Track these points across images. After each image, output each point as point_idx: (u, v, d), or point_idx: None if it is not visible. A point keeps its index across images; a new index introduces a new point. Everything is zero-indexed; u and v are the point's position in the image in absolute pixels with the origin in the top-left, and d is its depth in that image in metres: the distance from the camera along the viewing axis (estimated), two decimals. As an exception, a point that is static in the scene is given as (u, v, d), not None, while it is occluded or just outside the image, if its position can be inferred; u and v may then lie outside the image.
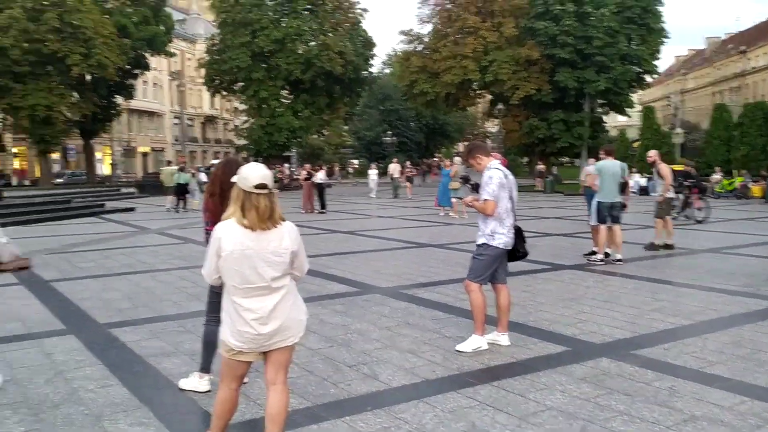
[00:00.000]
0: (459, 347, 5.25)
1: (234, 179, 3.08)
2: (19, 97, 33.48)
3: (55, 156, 48.29)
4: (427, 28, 41.14)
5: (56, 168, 48.95)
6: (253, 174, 3.00)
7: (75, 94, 37.55)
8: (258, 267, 2.98)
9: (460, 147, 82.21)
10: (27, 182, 44.82)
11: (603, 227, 9.68)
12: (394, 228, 15.97)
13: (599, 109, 40.61)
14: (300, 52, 39.34)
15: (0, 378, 4.49)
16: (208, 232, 4.34)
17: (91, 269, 9.72)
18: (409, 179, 30.46)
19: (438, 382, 4.55)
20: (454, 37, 38.39)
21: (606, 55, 34.77)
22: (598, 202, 9.69)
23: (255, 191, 2.98)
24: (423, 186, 38.59)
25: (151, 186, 33.98)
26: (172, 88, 71.11)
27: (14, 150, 51.09)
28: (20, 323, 6.22)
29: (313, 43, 39.96)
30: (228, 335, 3.06)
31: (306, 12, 40.54)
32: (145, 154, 66.91)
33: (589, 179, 10.73)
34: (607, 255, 9.78)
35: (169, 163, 27.15)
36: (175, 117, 72.77)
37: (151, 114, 68.30)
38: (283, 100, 41.56)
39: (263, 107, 40.25)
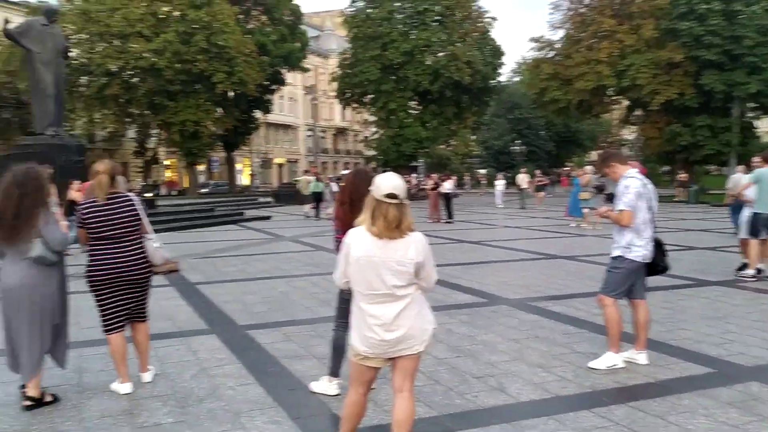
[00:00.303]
0: (592, 364, 5.03)
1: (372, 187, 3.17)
2: (171, 113, 36.44)
3: (201, 167, 51.94)
4: (559, 34, 40.17)
5: (202, 179, 52.67)
6: (385, 183, 3.06)
7: (219, 109, 40.26)
8: (382, 274, 3.03)
9: (593, 155, 79.08)
10: (174, 192, 48.56)
11: (754, 241, 8.90)
12: (522, 239, 15.63)
13: (750, 114, 37.50)
14: (428, 63, 39.71)
15: (152, 371, 4.89)
16: (338, 240, 4.48)
17: (232, 273, 10.34)
18: (540, 188, 29.73)
19: (569, 399, 4.39)
20: (587, 42, 37.11)
21: (758, 55, 32.08)
22: (754, 214, 8.89)
23: (385, 200, 3.04)
24: (553, 196, 37.50)
25: (285, 195, 35.68)
26: (306, 102, 74.33)
27: (166, 162, 55.72)
28: (170, 322, 6.74)
29: (441, 54, 40.18)
30: (356, 340, 3.14)
31: (435, 23, 40.88)
32: (280, 165, 70.40)
33: (739, 188, 9.91)
34: (759, 271, 8.97)
35: (306, 172, 28.42)
36: (309, 129, 75.94)
37: (286, 127, 71.80)
38: (411, 111, 42.14)
39: (392, 118, 41.02)
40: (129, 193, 4.69)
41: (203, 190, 45.96)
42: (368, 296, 3.08)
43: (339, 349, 4.51)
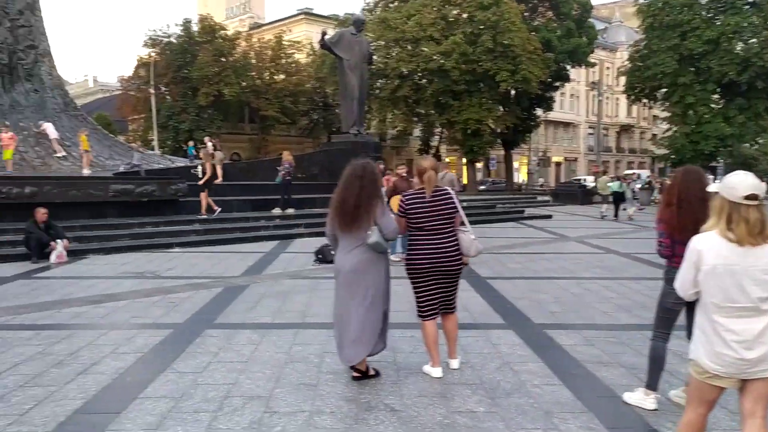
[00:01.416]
0: None
1: (713, 188, 2.88)
2: (455, 112, 37.90)
3: (479, 165, 53.22)
4: None
5: (479, 176, 53.95)
6: (743, 183, 2.73)
7: (500, 108, 40.74)
8: (745, 285, 2.70)
9: None
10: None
11: None
12: None
13: None
14: (737, 51, 35.20)
15: (458, 359, 5.08)
16: (661, 244, 4.16)
17: (519, 270, 10.35)
18: None
19: None
20: None
21: None
22: None
23: (744, 202, 2.71)
24: None
25: (565, 194, 34.81)
26: (588, 99, 71.71)
27: (447, 159, 58.28)
28: (467, 313, 6.96)
29: (753, 40, 35.32)
30: (702, 356, 2.85)
31: (747, 6, 36.07)
32: (558, 164, 68.91)
33: None
34: None
35: (605, 172, 27.56)
36: (590, 127, 73.20)
37: (566, 125, 70.06)
38: (712, 106, 37.78)
39: (688, 114, 37.30)
40: (447, 188, 4.92)
41: (481, 187, 47.01)
42: (725, 309, 2.77)
43: (658, 361, 4.19)
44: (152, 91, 40.78)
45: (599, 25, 60.87)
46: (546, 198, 36.04)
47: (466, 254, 4.87)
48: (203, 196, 15.43)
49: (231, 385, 4.63)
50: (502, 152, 48.81)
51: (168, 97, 44.22)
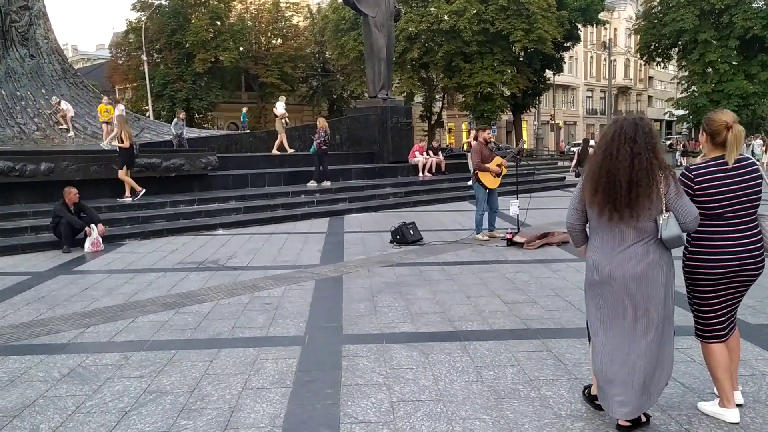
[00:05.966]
0: None
1: None
2: (466, 76, 36.16)
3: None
4: None
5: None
6: None
7: (510, 70, 39.01)
8: None
9: None
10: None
11: None
12: None
13: None
14: (760, 4, 33.75)
15: (740, 390, 3.69)
16: None
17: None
18: None
19: None
20: None
21: None
22: None
23: None
24: None
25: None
26: (587, 61, 70.13)
27: (448, 125, 56.68)
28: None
29: (779, -7, 33.96)
30: None
31: (771, -43, 34.58)
32: (558, 128, 67.52)
33: None
34: None
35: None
36: (588, 89, 71.81)
37: (565, 88, 68.49)
38: (733, 63, 36.39)
39: (707, 72, 35.94)
40: (749, 156, 3.46)
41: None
42: None
43: None
44: (144, 58, 38.49)
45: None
46: (567, 163, 34.63)
47: (769, 251, 3.44)
48: (122, 173, 12.08)
49: (458, 447, 3.22)
50: (510, 117, 47.32)
51: (162, 64, 41.91)
